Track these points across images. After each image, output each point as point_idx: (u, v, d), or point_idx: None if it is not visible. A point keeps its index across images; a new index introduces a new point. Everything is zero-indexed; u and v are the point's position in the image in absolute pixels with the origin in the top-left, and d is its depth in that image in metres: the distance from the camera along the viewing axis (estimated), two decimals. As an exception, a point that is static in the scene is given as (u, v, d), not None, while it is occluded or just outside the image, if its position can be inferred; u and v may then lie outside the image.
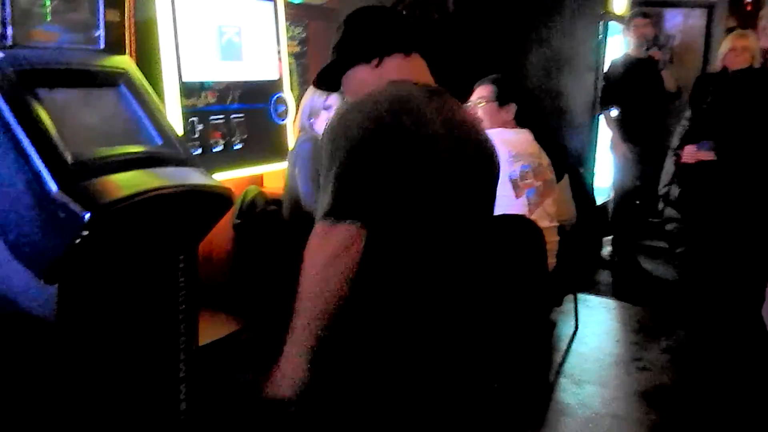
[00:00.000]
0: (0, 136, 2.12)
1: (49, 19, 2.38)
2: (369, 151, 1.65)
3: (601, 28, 5.80)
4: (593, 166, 6.06)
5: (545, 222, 3.15)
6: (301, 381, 1.66)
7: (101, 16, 2.51)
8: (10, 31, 2.26)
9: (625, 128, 5.62)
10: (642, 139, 5.56)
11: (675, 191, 4.47)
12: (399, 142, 1.67)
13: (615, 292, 5.32)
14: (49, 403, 2.16)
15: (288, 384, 1.66)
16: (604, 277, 5.67)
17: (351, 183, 1.64)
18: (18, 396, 2.14)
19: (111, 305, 2.29)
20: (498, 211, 2.96)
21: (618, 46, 6.04)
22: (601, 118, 5.85)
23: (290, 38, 3.86)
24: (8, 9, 2.24)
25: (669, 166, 4.66)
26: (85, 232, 2.02)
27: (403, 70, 1.88)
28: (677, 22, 6.89)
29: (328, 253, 1.61)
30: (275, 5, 3.46)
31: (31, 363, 2.15)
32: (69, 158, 2.14)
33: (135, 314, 2.36)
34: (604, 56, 5.88)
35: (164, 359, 2.48)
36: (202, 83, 3.03)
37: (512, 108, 3.22)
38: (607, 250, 5.99)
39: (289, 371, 1.66)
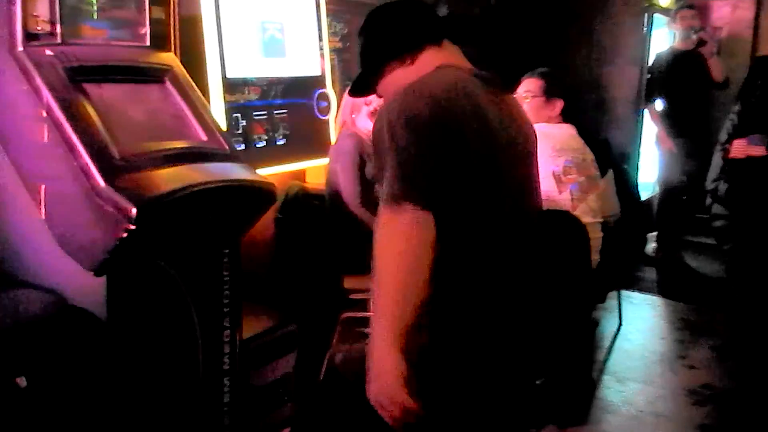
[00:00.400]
0: (49, 132, 2.17)
1: (96, 16, 2.42)
2: (428, 136, 1.61)
3: (645, 20, 5.71)
4: (638, 161, 5.99)
5: (588, 218, 3.12)
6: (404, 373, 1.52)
7: (147, 13, 2.55)
8: (59, 29, 2.30)
9: (671, 122, 5.54)
10: (688, 133, 5.48)
11: (723, 187, 4.37)
12: (457, 125, 1.64)
13: (660, 289, 5.25)
14: (98, 394, 2.20)
15: (394, 381, 1.52)
16: (649, 273, 5.59)
17: (413, 168, 1.57)
18: (68, 388, 2.18)
19: (157, 298, 2.32)
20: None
21: (663, 39, 5.95)
22: (646, 112, 5.78)
23: (332, 34, 3.87)
24: (57, 7, 2.29)
25: (717, 161, 4.55)
26: (132, 226, 2.05)
27: (441, 59, 1.84)
28: (724, 13, 6.75)
29: (399, 239, 1.54)
30: (317, 1, 3.48)
31: (81, 356, 2.19)
32: (116, 153, 2.17)
33: (180, 307, 2.39)
34: (648, 49, 5.80)
35: (208, 352, 2.50)
36: (245, 79, 3.06)
37: (559, 103, 3.19)
38: (652, 246, 5.91)
39: (389, 366, 1.53)
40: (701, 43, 5.41)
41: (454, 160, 1.62)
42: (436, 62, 1.82)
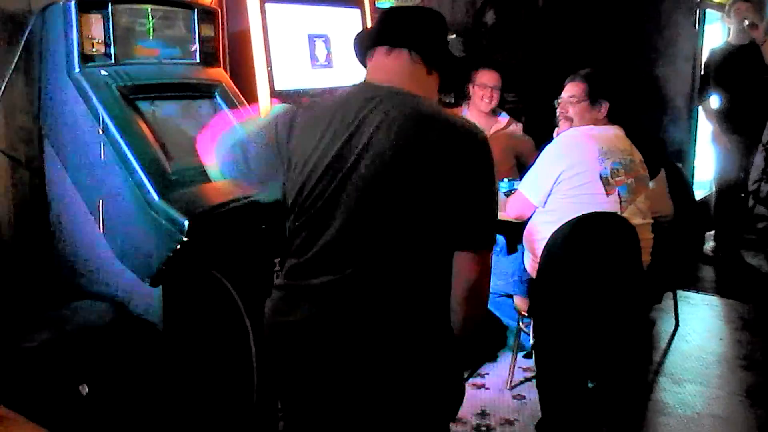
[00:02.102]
0: (107, 149, 2.26)
1: (148, 36, 2.51)
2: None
3: (698, 16, 5.63)
4: (693, 159, 5.89)
5: (638, 219, 3.09)
6: None
7: (196, 31, 2.64)
8: (113, 49, 2.40)
9: (727, 119, 5.44)
10: (744, 129, 5.38)
11: (765, 188, 4.29)
12: None
13: (718, 288, 5.15)
14: (156, 401, 2.28)
15: None
16: (707, 273, 5.50)
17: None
18: (128, 395, 2.26)
19: (211, 307, 2.40)
20: (590, 209, 2.96)
21: (716, 34, 5.85)
22: (701, 109, 5.69)
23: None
24: (111, 29, 2.38)
25: (759, 162, 4.48)
26: (185, 238, 2.13)
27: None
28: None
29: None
30: (362, 12, 3.53)
31: (140, 364, 2.27)
32: (169, 168, 2.26)
33: (233, 315, 2.46)
34: (702, 45, 5.71)
35: (261, 360, 2.56)
36: (293, 91, 3.12)
37: (605, 106, 3.16)
38: (709, 245, 5.80)
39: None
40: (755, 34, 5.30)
41: None
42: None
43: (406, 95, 1.71)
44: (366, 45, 1.83)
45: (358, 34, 1.91)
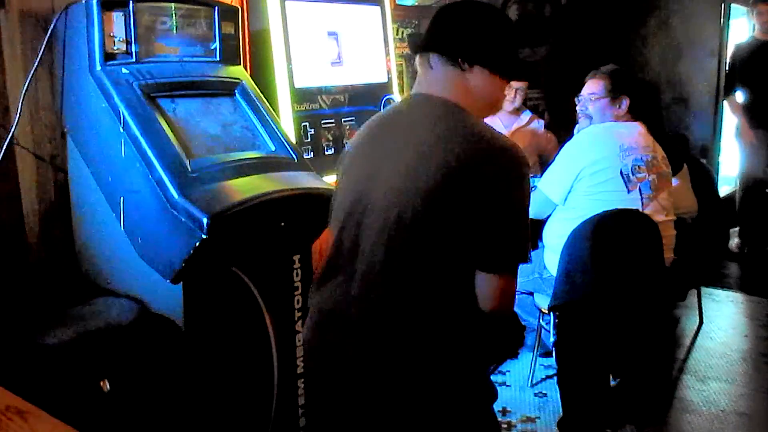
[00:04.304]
0: (128, 147, 2.28)
1: (171, 34, 2.53)
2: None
3: (723, 11, 5.57)
4: (718, 154, 5.84)
5: (660, 216, 3.07)
6: None
7: (217, 29, 2.64)
8: (134, 47, 2.41)
9: (753, 114, 5.39)
10: (771, 125, 5.32)
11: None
12: None
13: (743, 285, 5.11)
14: (176, 397, 2.29)
15: None
16: (732, 270, 5.45)
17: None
18: (149, 391, 2.28)
19: (231, 304, 2.41)
20: (611, 206, 2.94)
21: (742, 29, 5.79)
22: (726, 104, 5.63)
23: (399, 39, 3.91)
24: (132, 27, 2.40)
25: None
26: (205, 236, 2.14)
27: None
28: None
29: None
30: (382, 9, 3.53)
31: (161, 361, 2.29)
32: (189, 166, 2.27)
33: (253, 312, 2.48)
34: (727, 40, 5.65)
35: (282, 356, 2.58)
36: (313, 89, 3.13)
37: (625, 102, 3.14)
38: (734, 242, 5.75)
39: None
40: None
41: None
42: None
43: (442, 109, 1.70)
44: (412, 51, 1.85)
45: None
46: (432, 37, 1.77)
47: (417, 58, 1.80)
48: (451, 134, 1.62)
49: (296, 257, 2.58)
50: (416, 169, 1.61)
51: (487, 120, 4.71)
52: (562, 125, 4.49)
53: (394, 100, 3.48)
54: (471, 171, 1.57)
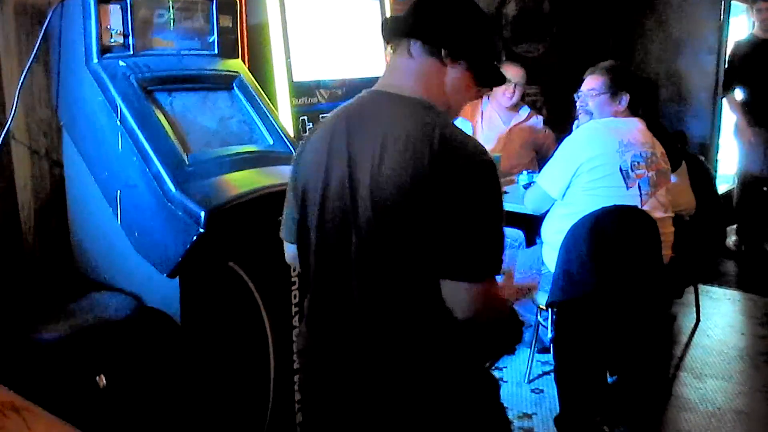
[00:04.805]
0: (125, 141, 2.27)
1: (168, 27, 2.51)
2: None
3: (723, 8, 5.56)
4: (717, 152, 5.84)
5: (659, 213, 3.06)
6: None
7: (215, 22, 2.63)
8: (131, 41, 2.40)
9: (752, 112, 5.38)
10: (769, 122, 5.31)
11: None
12: None
13: (740, 283, 5.11)
14: (173, 393, 2.28)
15: None
16: (730, 267, 5.45)
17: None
18: (145, 387, 2.27)
19: (228, 299, 2.39)
20: (610, 202, 2.93)
21: (742, 26, 5.79)
22: (725, 102, 5.62)
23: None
24: (129, 20, 2.38)
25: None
26: (202, 230, 2.13)
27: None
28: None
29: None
30: (381, 2, 3.51)
31: (157, 356, 2.28)
32: (186, 160, 2.26)
33: (250, 307, 2.46)
34: (726, 38, 5.64)
35: (278, 351, 2.57)
36: (311, 83, 3.12)
37: (625, 98, 3.12)
38: (732, 239, 5.75)
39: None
40: None
41: None
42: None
43: (407, 107, 1.60)
44: (384, 38, 1.76)
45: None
46: (417, 23, 1.67)
47: (394, 43, 1.71)
48: (421, 136, 1.53)
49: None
50: (386, 171, 1.53)
51: (486, 115, 4.67)
52: (560, 121, 4.48)
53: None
54: (440, 175, 1.49)
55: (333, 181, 1.62)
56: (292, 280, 2.57)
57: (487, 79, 1.75)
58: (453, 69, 1.65)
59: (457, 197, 1.49)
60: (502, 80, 1.78)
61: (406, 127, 1.55)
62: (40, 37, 2.40)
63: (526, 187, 3.56)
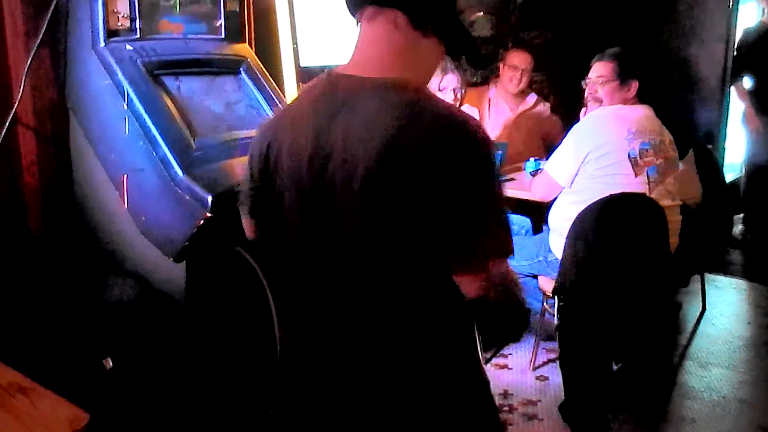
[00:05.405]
0: (131, 125, 2.26)
1: (173, 11, 2.50)
2: None
3: (732, -6, 5.53)
4: (724, 141, 5.81)
5: (666, 201, 3.05)
6: None
7: (222, 6, 2.62)
8: (138, 24, 2.39)
9: (760, 100, 5.35)
10: (778, 112, 5.28)
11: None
12: None
13: (747, 272, 5.09)
14: (179, 375, 2.29)
15: None
16: (736, 256, 5.43)
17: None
18: (152, 369, 2.28)
19: (234, 283, 2.40)
20: (617, 189, 2.92)
21: (751, 14, 5.74)
22: (733, 90, 5.59)
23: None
24: (136, 4, 2.37)
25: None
26: (208, 214, 2.12)
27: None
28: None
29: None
30: (389, -13, 3.49)
31: (163, 339, 2.28)
32: (193, 144, 2.25)
33: (256, 291, 2.46)
34: (735, 25, 5.60)
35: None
36: (318, 67, 3.10)
37: (634, 85, 3.11)
38: (739, 228, 5.73)
39: None
40: None
41: None
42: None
43: (383, 89, 1.47)
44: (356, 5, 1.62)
45: None
46: None
47: (367, 14, 1.60)
48: (415, 118, 1.42)
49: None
50: (373, 151, 1.41)
51: (493, 102, 4.64)
52: (567, 109, 4.46)
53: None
54: (438, 155, 1.39)
55: (318, 170, 1.49)
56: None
57: (458, 48, 1.66)
58: (427, 41, 1.54)
59: (461, 176, 1.40)
60: (472, 47, 1.74)
61: (392, 108, 1.44)
62: (47, 21, 2.39)
63: (533, 174, 3.55)
